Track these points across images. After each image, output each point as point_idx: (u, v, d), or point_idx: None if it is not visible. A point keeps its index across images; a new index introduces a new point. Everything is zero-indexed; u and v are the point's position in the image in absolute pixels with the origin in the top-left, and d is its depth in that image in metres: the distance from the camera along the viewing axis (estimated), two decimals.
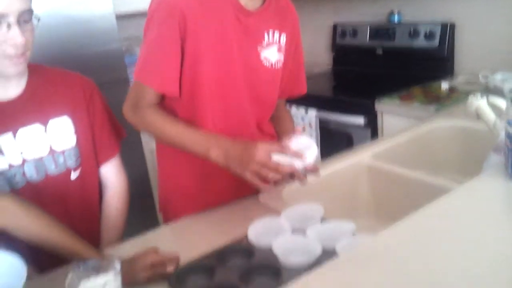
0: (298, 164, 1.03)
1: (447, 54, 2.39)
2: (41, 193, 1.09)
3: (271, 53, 1.20)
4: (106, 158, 1.24)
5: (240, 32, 1.14)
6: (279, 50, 1.22)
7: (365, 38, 2.71)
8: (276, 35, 1.21)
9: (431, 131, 1.66)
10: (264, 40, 1.18)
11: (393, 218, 1.01)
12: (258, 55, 1.18)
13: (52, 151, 1.12)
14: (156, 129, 1.15)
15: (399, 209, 1.27)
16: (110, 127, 1.25)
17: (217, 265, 0.92)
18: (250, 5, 1.15)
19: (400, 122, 2.01)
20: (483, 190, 0.85)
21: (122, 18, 2.40)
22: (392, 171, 1.38)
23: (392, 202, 1.37)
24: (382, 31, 2.63)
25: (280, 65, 1.23)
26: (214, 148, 1.07)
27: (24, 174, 1.09)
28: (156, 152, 1.31)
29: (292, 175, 1.10)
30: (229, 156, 1.05)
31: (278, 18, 1.21)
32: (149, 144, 2.39)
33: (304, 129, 2.29)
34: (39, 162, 1.10)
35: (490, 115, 1.18)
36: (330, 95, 2.54)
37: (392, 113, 2.07)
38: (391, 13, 2.62)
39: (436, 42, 2.39)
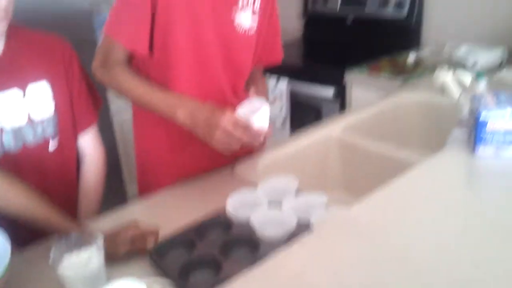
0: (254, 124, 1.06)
1: (414, 24, 2.43)
2: (18, 163, 1.09)
3: (245, 17, 1.20)
4: (85, 127, 1.23)
5: None
6: (253, 13, 1.21)
7: (336, 5, 2.72)
8: (250, 0, 1.20)
9: (398, 105, 1.71)
10: (237, 6, 1.18)
11: (362, 190, 1.07)
12: (232, 21, 1.18)
13: (30, 121, 1.11)
14: (124, 88, 1.14)
15: (367, 182, 1.34)
16: (88, 94, 1.23)
17: (197, 238, 0.95)
18: None
19: (368, 94, 2.06)
20: (447, 163, 0.90)
21: None
22: (361, 144, 1.44)
23: (360, 175, 1.43)
24: None
25: (253, 32, 1.23)
26: (182, 109, 1.08)
27: (1, 144, 1.07)
28: (132, 123, 1.31)
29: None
30: (195, 120, 1.06)
31: None
32: (118, 115, 2.36)
33: (274, 100, 2.32)
34: (17, 132, 1.09)
35: (454, 89, 1.24)
36: (301, 64, 2.56)
37: (360, 85, 2.12)
38: None
39: (404, 11, 2.43)
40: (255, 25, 1.22)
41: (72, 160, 1.23)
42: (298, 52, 2.79)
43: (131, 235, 0.94)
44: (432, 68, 2.06)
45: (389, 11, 2.48)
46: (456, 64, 2.06)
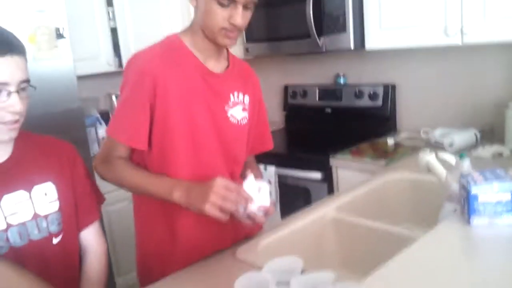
0: (256, 201, 1.15)
1: (390, 112, 2.61)
2: (23, 257, 1.09)
3: (237, 111, 1.32)
4: (88, 223, 1.26)
5: (208, 92, 1.25)
6: (243, 109, 1.34)
7: (314, 98, 2.91)
8: (241, 96, 1.33)
9: (384, 184, 1.80)
10: (230, 100, 1.30)
11: (360, 267, 1.10)
12: (225, 113, 1.29)
13: (35, 215, 1.13)
14: (122, 177, 1.23)
15: (365, 259, 1.38)
16: (91, 192, 1.28)
17: None
18: (216, 68, 1.28)
19: (353, 175, 2.16)
20: (447, 235, 0.96)
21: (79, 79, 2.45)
22: (355, 222, 1.49)
23: (357, 252, 1.46)
24: (330, 92, 2.84)
25: (245, 122, 1.34)
26: (177, 189, 1.16)
27: (7, 239, 1.08)
28: (134, 214, 1.35)
29: (249, 217, 1.19)
30: (190, 194, 1.14)
31: (241, 81, 1.34)
32: (107, 207, 2.37)
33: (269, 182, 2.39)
34: (22, 227, 1.11)
35: (439, 168, 1.33)
36: (286, 152, 2.68)
37: (345, 168, 2.22)
38: (338, 76, 2.85)
39: (379, 101, 2.62)
40: (246, 116, 1.33)
41: (75, 253, 1.24)
42: (282, 141, 2.92)
43: None
44: (411, 150, 2.19)
45: (365, 101, 2.67)
46: (433, 146, 2.21)
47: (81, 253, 1.26)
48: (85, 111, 2.70)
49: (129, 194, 2.42)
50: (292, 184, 2.39)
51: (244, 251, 1.31)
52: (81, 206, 1.23)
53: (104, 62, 2.83)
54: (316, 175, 2.28)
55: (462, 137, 2.14)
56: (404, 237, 1.32)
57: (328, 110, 2.85)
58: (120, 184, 1.26)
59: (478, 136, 2.18)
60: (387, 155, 2.17)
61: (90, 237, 1.26)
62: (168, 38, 1.27)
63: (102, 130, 2.86)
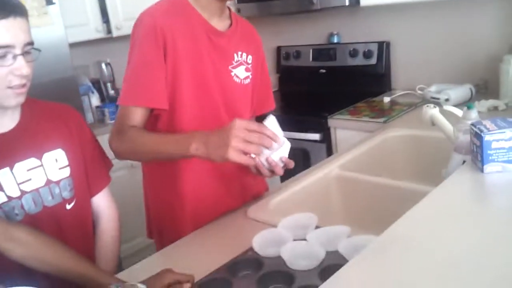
0: (277, 150, 1.10)
1: (384, 70, 2.62)
2: (38, 224, 1.09)
3: (240, 71, 1.31)
4: (99, 189, 1.26)
5: (212, 51, 1.24)
6: (246, 69, 1.33)
7: (308, 59, 2.89)
8: (244, 56, 1.32)
9: (385, 141, 1.83)
10: (233, 60, 1.29)
11: (366, 222, 1.12)
12: (229, 72, 1.28)
13: (48, 182, 1.13)
14: (137, 144, 1.17)
15: (371, 214, 1.42)
16: (100, 158, 1.27)
17: (231, 277, 0.98)
18: (220, 26, 1.26)
19: (352, 135, 2.18)
20: (463, 183, 0.96)
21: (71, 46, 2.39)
22: (360, 178, 1.52)
23: (363, 208, 1.49)
24: (324, 52, 2.82)
25: (248, 81, 1.33)
26: (193, 143, 1.07)
27: (22, 206, 1.08)
28: (143, 185, 1.36)
29: (269, 166, 1.16)
30: (208, 143, 1.05)
31: (244, 40, 1.33)
32: None
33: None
34: (36, 194, 1.11)
35: (444, 121, 1.36)
36: (282, 114, 2.67)
37: (344, 128, 2.24)
38: (331, 35, 2.83)
39: (374, 60, 2.62)
40: (249, 75, 1.33)
41: (88, 219, 1.24)
42: (277, 104, 2.87)
43: (168, 281, 0.96)
44: (407, 107, 2.22)
45: (359, 60, 2.67)
46: (430, 102, 2.23)
47: (94, 219, 1.27)
48: (77, 80, 2.66)
49: (128, 163, 2.41)
50: (291, 146, 2.40)
51: (255, 210, 1.33)
52: (91, 171, 1.23)
53: (93, 29, 2.76)
54: (315, 136, 2.29)
55: (458, 92, 2.16)
56: (411, 191, 1.37)
57: (323, 71, 2.84)
58: (135, 153, 1.21)
59: (473, 91, 2.20)
60: (385, 113, 2.19)
61: (103, 203, 1.27)
62: None
63: (95, 99, 2.83)
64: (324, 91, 2.81)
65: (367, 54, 2.63)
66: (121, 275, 1.08)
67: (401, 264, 0.74)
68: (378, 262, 0.76)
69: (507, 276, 0.65)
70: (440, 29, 2.44)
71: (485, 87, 2.28)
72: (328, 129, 2.27)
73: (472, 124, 0.97)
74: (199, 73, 1.22)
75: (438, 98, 2.18)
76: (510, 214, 0.82)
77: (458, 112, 1.23)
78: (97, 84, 2.96)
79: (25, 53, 1.01)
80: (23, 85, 1.03)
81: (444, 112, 1.36)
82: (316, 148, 2.32)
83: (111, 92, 2.98)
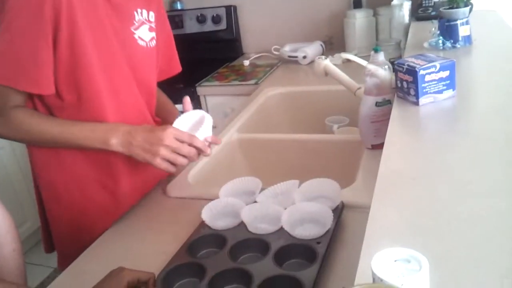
0: (201, 134, 1.05)
1: (235, 35, 2.62)
2: None
3: (144, 32, 1.14)
4: None
5: (111, 13, 1.06)
6: (150, 29, 1.17)
7: None
8: (145, 13, 1.15)
9: (267, 100, 1.84)
10: (135, 20, 1.12)
11: (278, 176, 1.12)
12: (132, 34, 1.11)
13: None
14: (34, 131, 0.99)
15: (279, 168, 1.43)
16: None
17: (196, 259, 0.87)
18: None
19: (223, 100, 2.14)
20: (401, 120, 1.00)
21: None
22: (259, 138, 1.52)
23: (270, 164, 1.48)
24: (169, 20, 2.67)
25: (154, 43, 1.18)
26: (114, 134, 1.00)
27: None
28: (34, 167, 1.11)
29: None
30: (133, 141, 1.00)
31: None
32: None
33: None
34: None
35: (336, 70, 1.42)
36: None
37: (214, 95, 2.18)
38: (173, 2, 2.70)
39: (224, 24, 2.59)
40: (154, 36, 1.17)
41: None
42: None
43: (127, 281, 0.80)
44: (270, 68, 2.27)
45: (209, 26, 2.61)
46: (288, 61, 2.33)
47: None
48: None
49: None
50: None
51: (173, 187, 1.21)
52: None
53: None
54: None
55: (312, 49, 2.29)
56: (310, 141, 1.43)
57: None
58: (26, 140, 1.03)
59: (324, 46, 2.37)
60: (251, 75, 2.20)
61: None
62: None
63: None
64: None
65: (216, 20, 2.59)
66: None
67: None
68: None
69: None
70: None
71: (331, 43, 2.47)
72: (198, 97, 2.18)
73: (398, 63, 1.02)
74: (103, 42, 1.02)
75: (295, 56, 2.29)
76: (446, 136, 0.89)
77: (355, 58, 1.30)
78: None
79: None
80: None
81: None
82: None
83: None
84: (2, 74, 0.94)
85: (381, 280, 0.40)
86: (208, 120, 1.07)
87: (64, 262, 1.08)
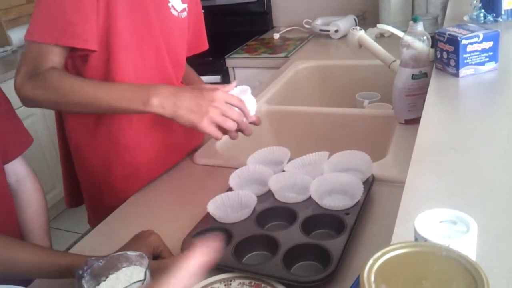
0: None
1: (266, 8, 2.58)
2: None
3: (177, 1, 1.12)
4: (16, 153, 0.99)
5: None
6: (183, 0, 1.15)
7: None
8: None
9: (297, 72, 1.81)
10: None
11: (308, 148, 1.09)
12: (166, 2, 1.09)
13: None
14: (65, 93, 0.93)
15: (308, 141, 1.40)
16: (13, 112, 0.99)
17: (224, 224, 0.87)
18: None
19: (252, 73, 2.12)
20: (442, 92, 0.96)
21: None
22: (289, 110, 1.49)
23: (299, 137, 1.46)
24: None
25: (185, 14, 1.16)
26: (155, 94, 0.90)
27: None
28: (68, 132, 1.11)
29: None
30: (178, 102, 0.91)
31: None
32: None
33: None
34: None
35: (371, 41, 1.38)
36: None
37: (243, 67, 2.16)
38: None
39: None
40: (186, 8, 1.15)
41: (5, 188, 0.97)
42: None
43: (154, 246, 0.80)
44: (301, 41, 2.22)
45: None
46: (319, 35, 2.28)
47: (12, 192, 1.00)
48: None
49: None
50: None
51: (201, 156, 1.20)
52: (4, 130, 0.96)
53: None
54: (216, 78, 2.18)
55: (344, 22, 2.23)
56: (341, 115, 1.40)
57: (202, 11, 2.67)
58: (59, 103, 0.97)
59: (357, 20, 2.30)
60: (282, 48, 2.17)
61: (21, 171, 1.01)
62: None
63: None
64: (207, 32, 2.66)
65: None
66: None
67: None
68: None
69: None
70: None
71: (364, 17, 2.40)
72: (227, 70, 2.17)
73: (439, 32, 0.98)
74: (139, 5, 1.00)
75: (327, 30, 2.23)
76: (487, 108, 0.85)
77: (392, 29, 1.25)
78: None
79: None
80: None
81: None
82: None
83: None
84: (48, 32, 0.92)
85: (425, 240, 0.38)
86: (252, 102, 1.02)
87: (95, 220, 1.08)
